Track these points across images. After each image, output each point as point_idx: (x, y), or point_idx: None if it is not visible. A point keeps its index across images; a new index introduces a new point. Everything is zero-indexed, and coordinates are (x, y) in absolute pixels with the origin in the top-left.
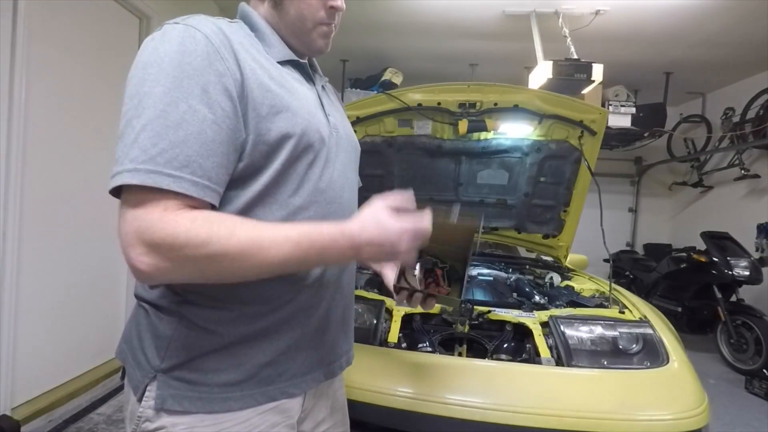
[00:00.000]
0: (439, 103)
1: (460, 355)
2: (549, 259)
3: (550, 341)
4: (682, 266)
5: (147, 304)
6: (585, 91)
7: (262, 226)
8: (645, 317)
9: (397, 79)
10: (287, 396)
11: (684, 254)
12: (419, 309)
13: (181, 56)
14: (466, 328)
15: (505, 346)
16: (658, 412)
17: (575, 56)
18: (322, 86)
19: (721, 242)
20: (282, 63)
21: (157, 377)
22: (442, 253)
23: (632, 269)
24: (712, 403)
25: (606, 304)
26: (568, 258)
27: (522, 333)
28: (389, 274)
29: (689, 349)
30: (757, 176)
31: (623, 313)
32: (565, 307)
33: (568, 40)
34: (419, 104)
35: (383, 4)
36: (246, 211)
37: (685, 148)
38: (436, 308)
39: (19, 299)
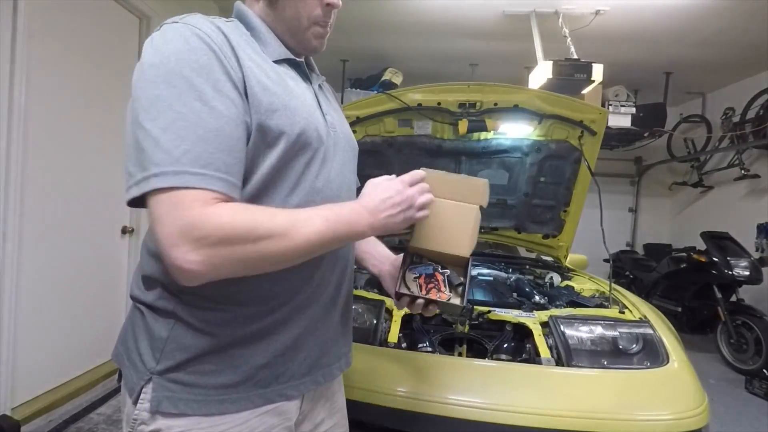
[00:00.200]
0: (439, 103)
1: (460, 355)
2: (549, 259)
3: (550, 341)
4: (682, 266)
5: (143, 306)
6: (585, 91)
7: (291, 209)
8: (645, 317)
9: (397, 79)
10: (285, 398)
11: (684, 254)
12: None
13: (188, 55)
14: (466, 328)
15: (505, 346)
16: (658, 412)
17: (575, 56)
18: (319, 85)
19: (721, 242)
20: (278, 62)
21: (153, 379)
22: (443, 259)
23: (632, 269)
24: (712, 403)
25: (606, 304)
26: (568, 258)
27: (522, 333)
28: (389, 279)
29: (689, 349)
30: (757, 176)
31: (623, 313)
32: (565, 307)
33: (568, 40)
34: (419, 104)
35: (383, 4)
36: None
37: (685, 148)
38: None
39: (19, 299)
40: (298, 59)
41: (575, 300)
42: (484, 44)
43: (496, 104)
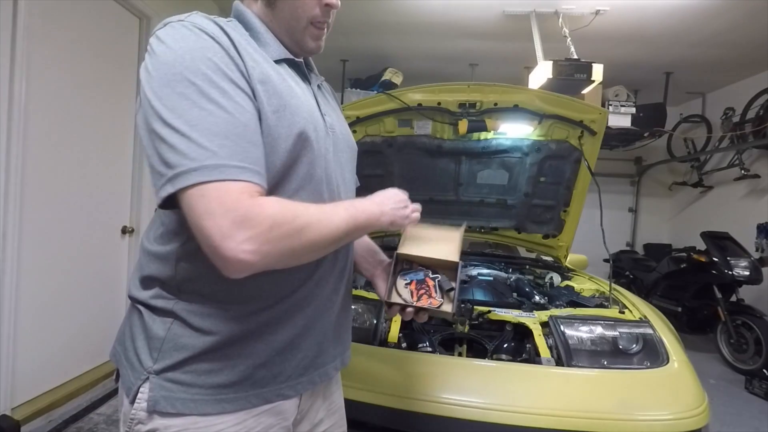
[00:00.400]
0: (439, 103)
1: (460, 355)
2: (549, 259)
3: (550, 341)
4: (682, 266)
5: (140, 305)
6: (585, 91)
7: (316, 204)
8: (645, 317)
9: (397, 79)
10: (282, 398)
11: (684, 254)
12: None
13: (202, 52)
14: (466, 328)
15: (505, 346)
16: (658, 412)
17: (575, 56)
18: (318, 85)
19: (721, 242)
20: (278, 62)
21: (150, 379)
22: (433, 264)
23: (632, 269)
24: (712, 403)
25: (606, 304)
26: (568, 258)
27: (522, 333)
28: (381, 285)
29: (689, 349)
30: (757, 176)
31: (623, 313)
32: (565, 307)
33: (568, 40)
34: (419, 104)
35: (383, 4)
36: None
37: (685, 148)
38: None
39: (19, 299)
40: (297, 59)
41: (575, 300)
42: (484, 44)
43: (496, 104)
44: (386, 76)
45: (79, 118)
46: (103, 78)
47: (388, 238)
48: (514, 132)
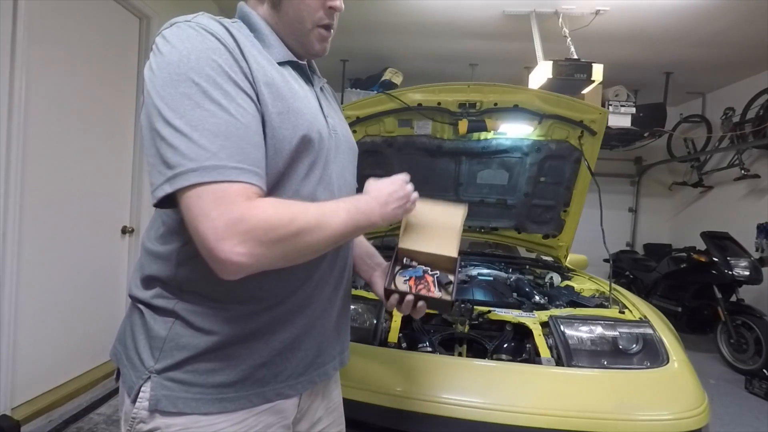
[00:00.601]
0: (439, 103)
1: (460, 355)
2: (549, 259)
3: (550, 341)
4: (682, 266)
5: (142, 305)
6: (585, 91)
7: (317, 203)
8: (645, 317)
9: (397, 79)
10: (282, 397)
11: (684, 254)
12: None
13: (207, 53)
14: (466, 328)
15: (505, 346)
16: (658, 412)
17: (575, 56)
18: (321, 88)
19: (721, 242)
20: (281, 64)
21: (151, 378)
22: (432, 261)
23: (632, 269)
24: (712, 403)
25: (606, 304)
26: (568, 258)
27: (522, 333)
28: (379, 282)
29: (689, 349)
30: (757, 176)
31: (623, 313)
32: (565, 307)
33: (568, 40)
34: (419, 104)
35: (383, 4)
36: None
37: (685, 148)
38: None
39: (19, 299)
40: (300, 62)
41: (575, 300)
42: (484, 44)
43: (496, 104)
44: (386, 76)
45: (79, 117)
46: (103, 78)
47: (388, 237)
48: (514, 132)
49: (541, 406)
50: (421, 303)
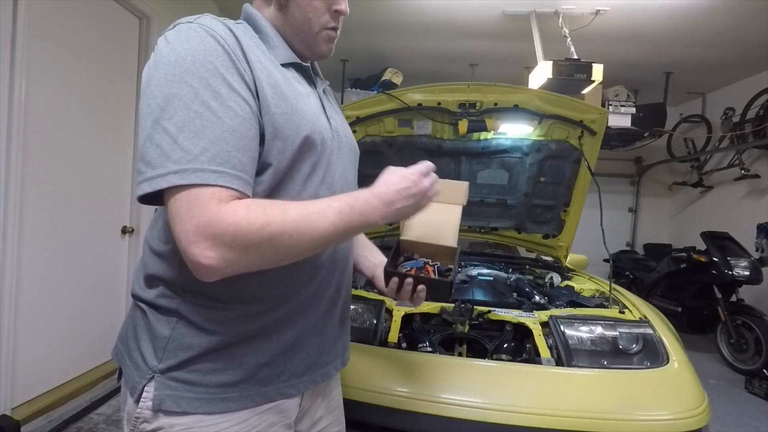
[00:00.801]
0: (439, 103)
1: (460, 355)
2: (549, 259)
3: (550, 341)
4: (682, 266)
5: (144, 304)
6: (585, 91)
7: (305, 202)
8: (645, 317)
9: (397, 79)
10: (285, 396)
11: (684, 254)
12: (419, 309)
13: (204, 55)
14: (466, 328)
15: (505, 346)
16: (658, 412)
17: (575, 56)
18: (323, 89)
19: (721, 242)
20: (285, 65)
21: (155, 378)
22: (433, 252)
23: (632, 269)
24: (712, 403)
25: (606, 304)
26: (568, 258)
27: (522, 333)
28: (382, 276)
29: (689, 349)
30: (757, 176)
31: (623, 313)
32: (565, 307)
33: (568, 40)
34: (419, 104)
35: (383, 4)
36: None
37: (685, 148)
38: (436, 307)
39: (19, 299)
40: (304, 63)
41: (575, 300)
42: (484, 44)
43: (496, 104)
44: (386, 76)
45: (79, 117)
46: (103, 78)
47: (388, 237)
48: (514, 132)
49: (541, 406)
50: (420, 287)
